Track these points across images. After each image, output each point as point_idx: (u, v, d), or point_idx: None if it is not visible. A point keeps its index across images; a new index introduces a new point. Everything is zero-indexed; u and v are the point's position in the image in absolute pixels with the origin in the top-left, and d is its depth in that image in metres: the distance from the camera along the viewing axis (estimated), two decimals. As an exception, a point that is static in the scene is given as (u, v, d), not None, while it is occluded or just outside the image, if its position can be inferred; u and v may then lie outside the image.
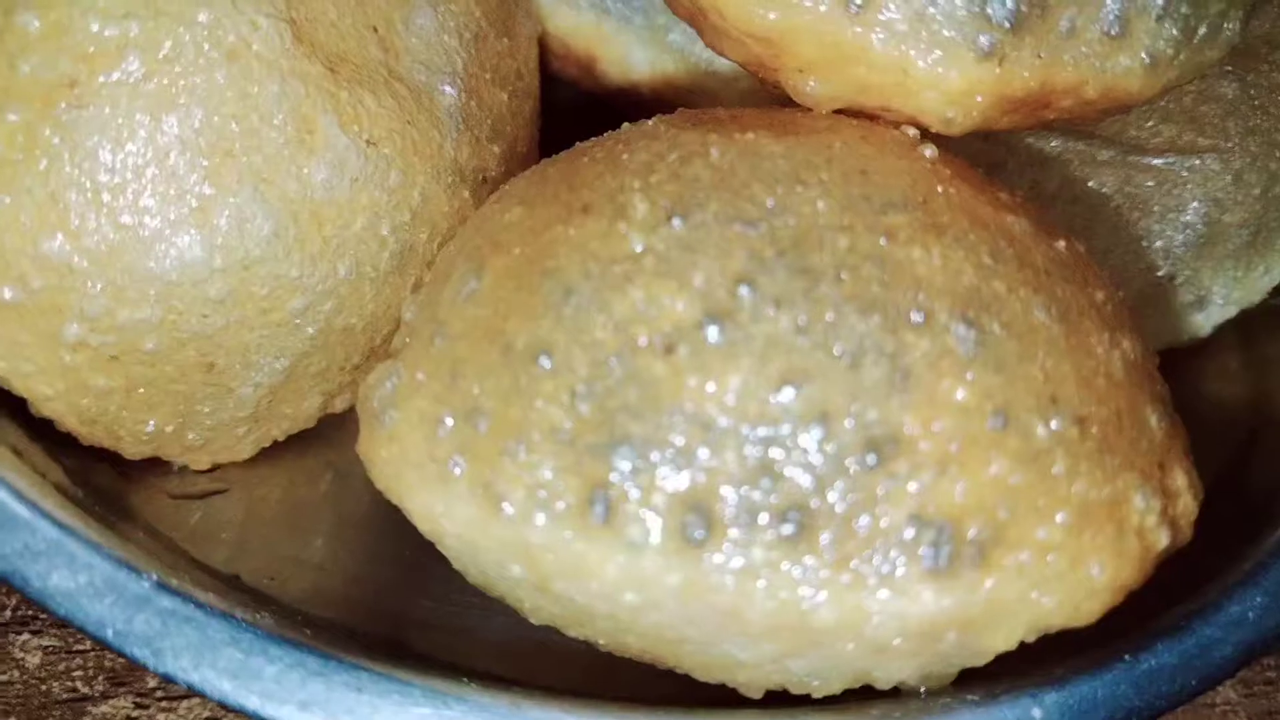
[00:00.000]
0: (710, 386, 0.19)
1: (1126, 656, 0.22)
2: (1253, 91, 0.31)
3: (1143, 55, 0.23)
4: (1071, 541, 0.19)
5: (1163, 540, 0.20)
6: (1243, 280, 0.31)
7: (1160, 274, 0.31)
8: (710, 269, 0.20)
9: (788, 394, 0.18)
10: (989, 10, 0.22)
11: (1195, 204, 0.30)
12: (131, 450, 0.27)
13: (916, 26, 0.22)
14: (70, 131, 0.23)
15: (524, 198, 0.24)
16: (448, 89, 0.28)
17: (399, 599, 0.27)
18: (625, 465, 0.19)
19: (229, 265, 0.24)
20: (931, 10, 0.22)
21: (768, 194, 0.21)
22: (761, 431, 0.18)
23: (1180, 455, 0.21)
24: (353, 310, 0.27)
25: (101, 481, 0.27)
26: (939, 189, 0.21)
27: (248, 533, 0.28)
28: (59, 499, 0.22)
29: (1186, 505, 0.21)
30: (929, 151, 0.23)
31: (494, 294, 0.21)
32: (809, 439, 0.18)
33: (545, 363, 0.20)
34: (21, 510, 0.21)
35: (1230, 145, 0.30)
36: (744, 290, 0.19)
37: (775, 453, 0.18)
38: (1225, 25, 0.24)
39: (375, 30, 0.27)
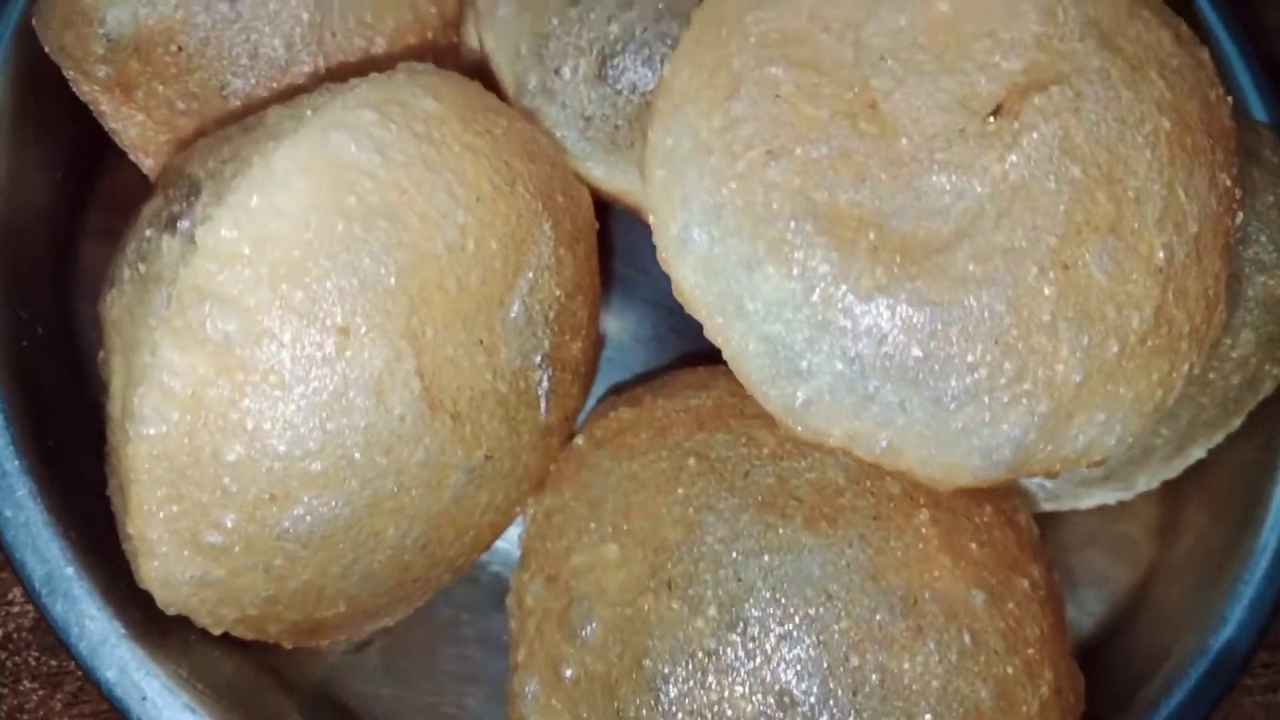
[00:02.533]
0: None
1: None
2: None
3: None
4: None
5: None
6: (1163, 471, 0.39)
7: (1099, 475, 0.39)
8: (766, 679, 0.28)
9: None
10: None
11: (1137, 431, 0.38)
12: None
13: (933, 464, 0.29)
14: (288, 539, 0.30)
15: (615, 532, 0.32)
16: (539, 371, 0.34)
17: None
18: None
19: (407, 564, 0.32)
20: (946, 458, 0.28)
21: (805, 607, 0.29)
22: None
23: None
24: (476, 550, 0.35)
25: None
26: (925, 579, 0.29)
27: (396, 686, 0.38)
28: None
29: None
30: (923, 517, 0.31)
31: (605, 649, 0.30)
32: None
33: (647, 731, 0.29)
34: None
35: (1174, 391, 0.37)
36: (787, 699, 0.28)
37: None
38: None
39: (481, 343, 0.32)
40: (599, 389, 0.41)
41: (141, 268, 0.29)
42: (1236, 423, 0.40)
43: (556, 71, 0.37)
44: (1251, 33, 0.47)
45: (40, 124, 0.39)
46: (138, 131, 0.37)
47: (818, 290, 0.27)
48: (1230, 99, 0.31)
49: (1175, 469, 0.40)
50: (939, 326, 0.26)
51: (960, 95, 0.28)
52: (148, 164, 0.38)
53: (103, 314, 0.30)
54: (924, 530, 0.30)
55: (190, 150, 0.31)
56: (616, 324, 0.43)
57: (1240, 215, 0.30)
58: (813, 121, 0.27)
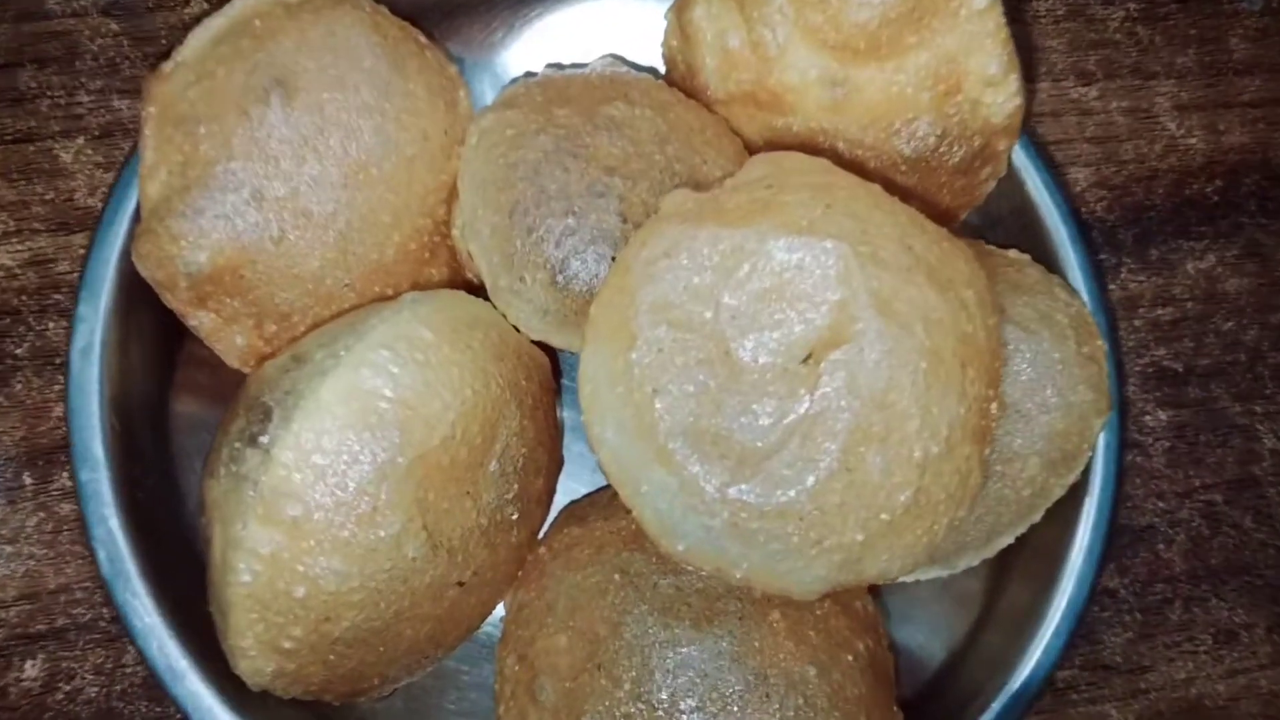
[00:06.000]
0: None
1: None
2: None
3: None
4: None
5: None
6: (979, 555, 0.53)
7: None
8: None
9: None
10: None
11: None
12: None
13: (773, 588, 0.42)
14: (339, 644, 0.43)
15: (564, 627, 0.45)
16: (511, 506, 0.48)
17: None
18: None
19: (421, 650, 0.46)
20: (779, 586, 0.42)
21: (689, 684, 0.42)
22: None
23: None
24: (471, 630, 0.49)
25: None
26: (774, 660, 0.43)
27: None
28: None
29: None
30: (775, 615, 0.44)
31: (557, 710, 0.44)
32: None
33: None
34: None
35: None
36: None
37: None
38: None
39: (468, 494, 0.46)
40: (561, 499, 0.55)
41: (233, 468, 0.42)
42: (1036, 518, 0.53)
43: (521, 279, 0.50)
44: (1066, 195, 0.60)
45: (138, 312, 0.52)
46: (211, 327, 0.50)
47: (687, 486, 0.40)
48: (993, 322, 0.44)
49: (989, 553, 0.53)
50: (764, 510, 0.39)
51: (786, 343, 0.41)
52: (218, 348, 0.51)
53: (204, 494, 0.44)
54: (775, 624, 0.44)
55: (261, 378, 0.44)
56: (575, 447, 0.57)
57: (995, 405, 0.43)
58: (683, 368, 0.40)
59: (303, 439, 0.41)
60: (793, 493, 0.39)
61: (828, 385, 0.40)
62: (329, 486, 0.41)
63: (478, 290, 0.51)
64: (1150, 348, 0.68)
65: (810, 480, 0.39)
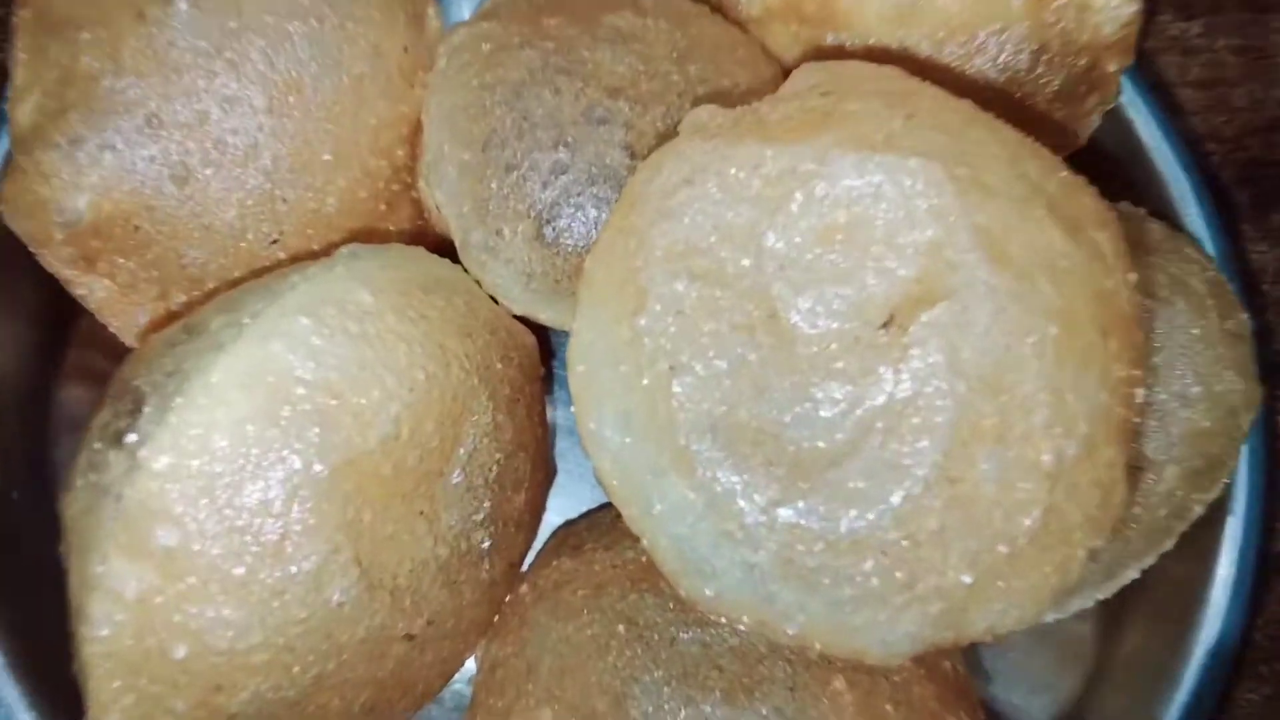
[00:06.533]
0: None
1: None
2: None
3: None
4: None
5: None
6: (1096, 594, 0.41)
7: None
8: None
9: None
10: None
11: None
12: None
13: (839, 649, 0.30)
14: None
15: (549, 696, 0.34)
16: (481, 531, 0.36)
17: None
18: None
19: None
20: (850, 646, 0.30)
21: None
22: None
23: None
24: (427, 697, 0.37)
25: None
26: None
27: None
28: None
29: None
30: (839, 683, 0.32)
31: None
32: None
33: None
34: None
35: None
36: None
37: None
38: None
39: (421, 513, 0.34)
40: (553, 519, 0.43)
41: (93, 477, 0.31)
42: (1169, 544, 0.41)
43: (498, 232, 0.38)
44: (1184, 137, 0.48)
45: (13, 276, 0.41)
46: (104, 296, 0.39)
47: (717, 504, 0.28)
48: (1133, 276, 0.32)
49: (1108, 591, 0.41)
50: (831, 539, 0.28)
51: (856, 302, 0.29)
52: (114, 324, 0.40)
53: (62, 512, 0.32)
54: (840, 698, 0.32)
55: (138, 357, 0.33)
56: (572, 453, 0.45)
57: (1142, 392, 0.31)
58: (713, 336, 0.29)
59: (183, 438, 0.29)
60: (871, 515, 0.28)
61: (918, 360, 0.28)
62: (218, 505, 0.30)
63: (451, 253, 0.40)
64: (1277, 333, 0.56)
65: (896, 497, 0.28)
